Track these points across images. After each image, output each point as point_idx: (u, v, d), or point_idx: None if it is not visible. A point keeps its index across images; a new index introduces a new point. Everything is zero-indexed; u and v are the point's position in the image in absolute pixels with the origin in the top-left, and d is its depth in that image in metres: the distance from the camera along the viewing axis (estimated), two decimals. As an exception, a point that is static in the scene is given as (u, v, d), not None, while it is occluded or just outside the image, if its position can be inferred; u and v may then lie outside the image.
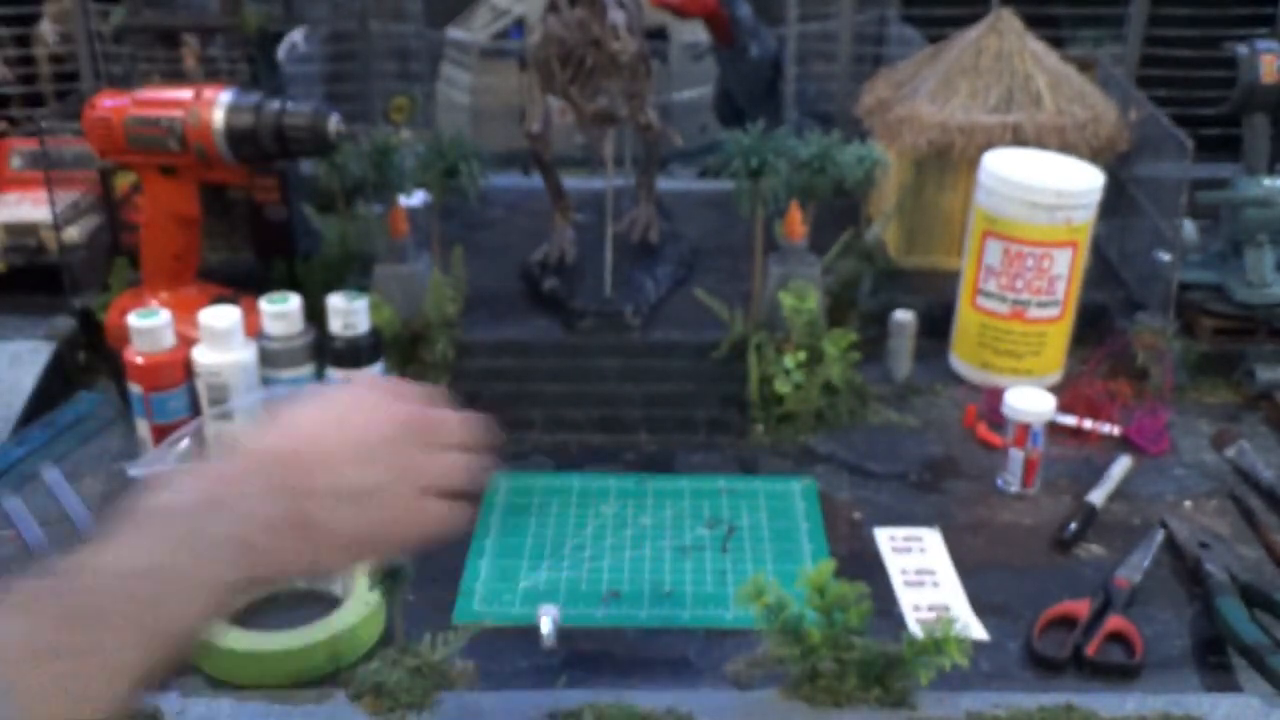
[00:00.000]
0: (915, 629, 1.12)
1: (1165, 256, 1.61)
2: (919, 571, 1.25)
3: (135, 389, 1.37)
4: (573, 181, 1.73)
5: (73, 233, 1.67)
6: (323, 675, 1.07)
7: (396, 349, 1.49)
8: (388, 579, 1.04)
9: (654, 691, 1.03)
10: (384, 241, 1.55)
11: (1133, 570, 1.23)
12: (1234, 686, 1.09)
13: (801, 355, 1.48)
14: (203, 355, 1.34)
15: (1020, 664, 1.12)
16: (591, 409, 1.51)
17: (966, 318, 1.61)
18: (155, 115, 1.40)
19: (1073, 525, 1.31)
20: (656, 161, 1.70)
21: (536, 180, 1.72)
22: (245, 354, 1.35)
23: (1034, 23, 1.80)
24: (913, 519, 1.35)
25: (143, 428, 1.38)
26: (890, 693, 1.00)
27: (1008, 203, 1.52)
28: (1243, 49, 1.64)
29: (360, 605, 1.12)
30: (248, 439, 0.76)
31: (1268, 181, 1.63)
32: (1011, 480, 1.39)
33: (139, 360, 1.35)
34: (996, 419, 1.47)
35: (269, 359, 1.37)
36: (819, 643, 0.99)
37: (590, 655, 1.13)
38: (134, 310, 1.39)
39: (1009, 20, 1.77)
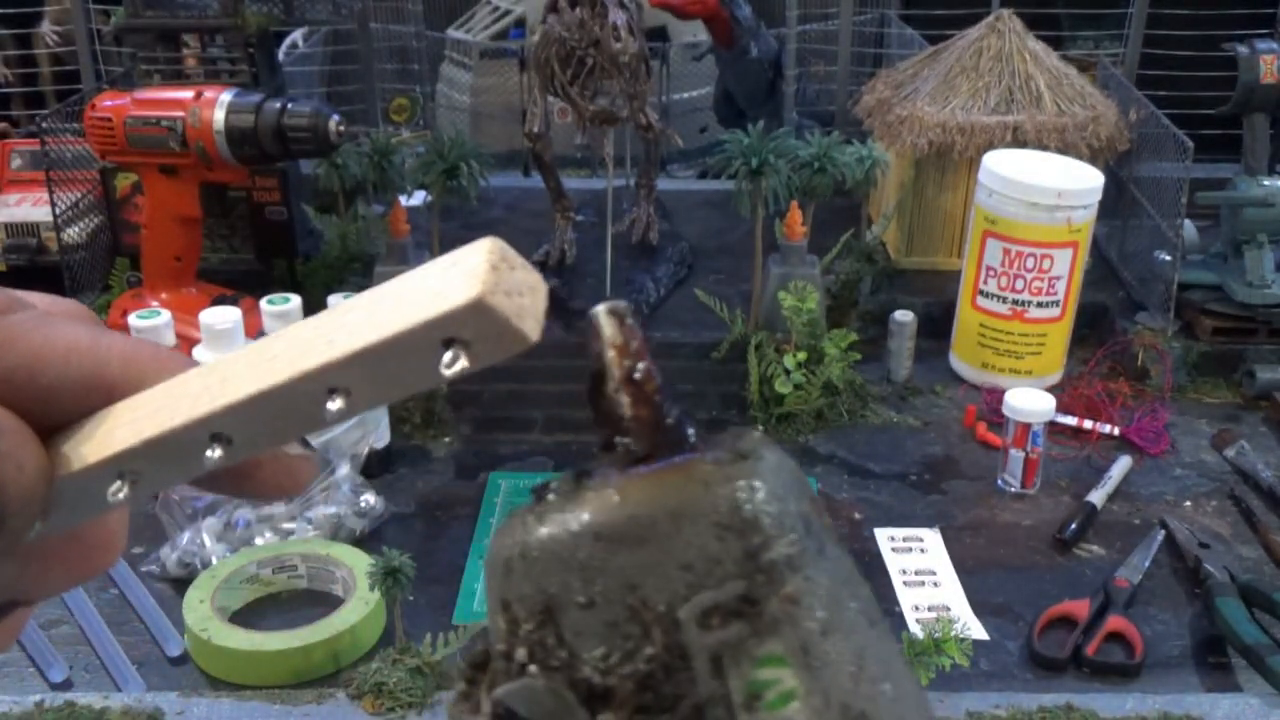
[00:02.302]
0: (915, 629, 1.12)
1: (1165, 256, 1.61)
2: (919, 571, 1.25)
3: (135, 389, 1.36)
4: (573, 181, 1.74)
5: (73, 233, 1.67)
6: (323, 675, 1.07)
7: (397, 349, 1.49)
8: (388, 579, 1.04)
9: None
10: (384, 241, 1.55)
11: (1133, 570, 1.23)
12: (1234, 686, 1.09)
13: (801, 355, 1.48)
14: (203, 355, 1.34)
15: (1020, 664, 1.12)
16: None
17: (966, 318, 1.61)
18: (156, 115, 1.40)
19: (1073, 525, 1.30)
20: (656, 162, 1.70)
21: (536, 180, 1.72)
22: (245, 354, 1.35)
23: (1034, 23, 1.80)
24: (913, 519, 1.35)
25: (143, 428, 1.38)
26: (890, 693, 1.00)
27: (1008, 203, 1.52)
28: (1243, 49, 1.64)
29: (360, 605, 1.12)
30: None
31: (1268, 181, 1.63)
32: (1011, 480, 1.39)
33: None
34: (996, 419, 1.47)
35: (269, 359, 1.36)
36: (819, 643, 0.99)
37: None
38: (134, 310, 1.39)
39: (1009, 20, 1.77)
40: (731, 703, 0.27)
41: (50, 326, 0.33)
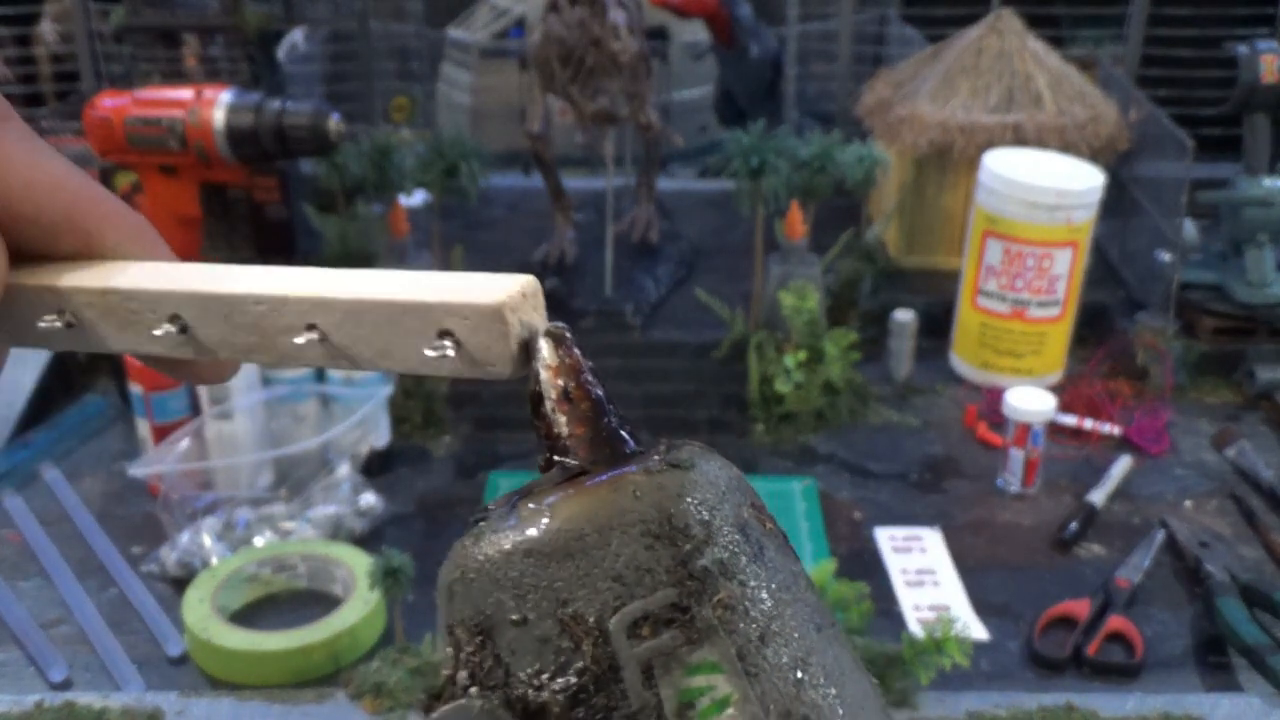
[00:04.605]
0: (915, 629, 1.12)
1: (1165, 256, 1.61)
2: (919, 571, 1.25)
3: (135, 389, 1.37)
4: (573, 181, 1.74)
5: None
6: (323, 675, 1.07)
7: (397, 349, 1.49)
8: (387, 579, 1.04)
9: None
10: (384, 241, 1.55)
11: (1133, 570, 1.23)
12: (1234, 686, 1.09)
13: (802, 355, 1.48)
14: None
15: (1020, 664, 1.12)
16: (591, 409, 1.51)
17: (967, 317, 1.61)
18: (156, 115, 1.40)
19: (1073, 525, 1.30)
20: (656, 161, 1.70)
21: (536, 180, 1.72)
22: (245, 354, 1.35)
23: (1034, 23, 1.80)
24: (913, 519, 1.35)
25: (143, 427, 1.38)
26: (890, 692, 1.00)
27: (1008, 203, 1.52)
28: (1243, 49, 1.64)
29: (360, 605, 1.12)
30: None
31: (1268, 181, 1.63)
32: (1011, 480, 1.39)
33: (139, 360, 1.35)
34: (996, 419, 1.47)
35: (269, 359, 1.36)
36: (819, 643, 0.99)
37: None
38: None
39: (1009, 20, 1.77)
40: (663, 712, 0.27)
41: (39, 155, 0.32)
